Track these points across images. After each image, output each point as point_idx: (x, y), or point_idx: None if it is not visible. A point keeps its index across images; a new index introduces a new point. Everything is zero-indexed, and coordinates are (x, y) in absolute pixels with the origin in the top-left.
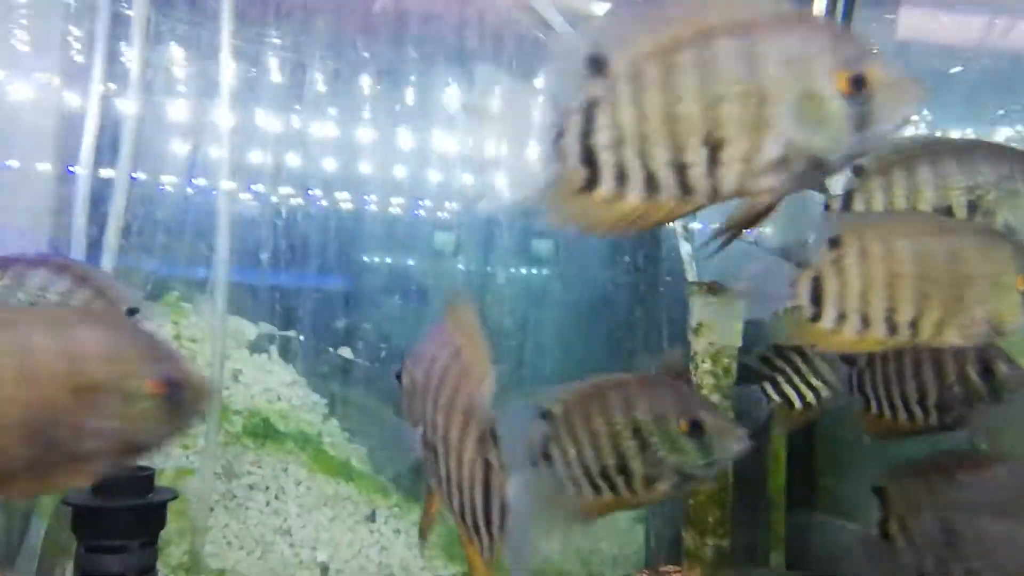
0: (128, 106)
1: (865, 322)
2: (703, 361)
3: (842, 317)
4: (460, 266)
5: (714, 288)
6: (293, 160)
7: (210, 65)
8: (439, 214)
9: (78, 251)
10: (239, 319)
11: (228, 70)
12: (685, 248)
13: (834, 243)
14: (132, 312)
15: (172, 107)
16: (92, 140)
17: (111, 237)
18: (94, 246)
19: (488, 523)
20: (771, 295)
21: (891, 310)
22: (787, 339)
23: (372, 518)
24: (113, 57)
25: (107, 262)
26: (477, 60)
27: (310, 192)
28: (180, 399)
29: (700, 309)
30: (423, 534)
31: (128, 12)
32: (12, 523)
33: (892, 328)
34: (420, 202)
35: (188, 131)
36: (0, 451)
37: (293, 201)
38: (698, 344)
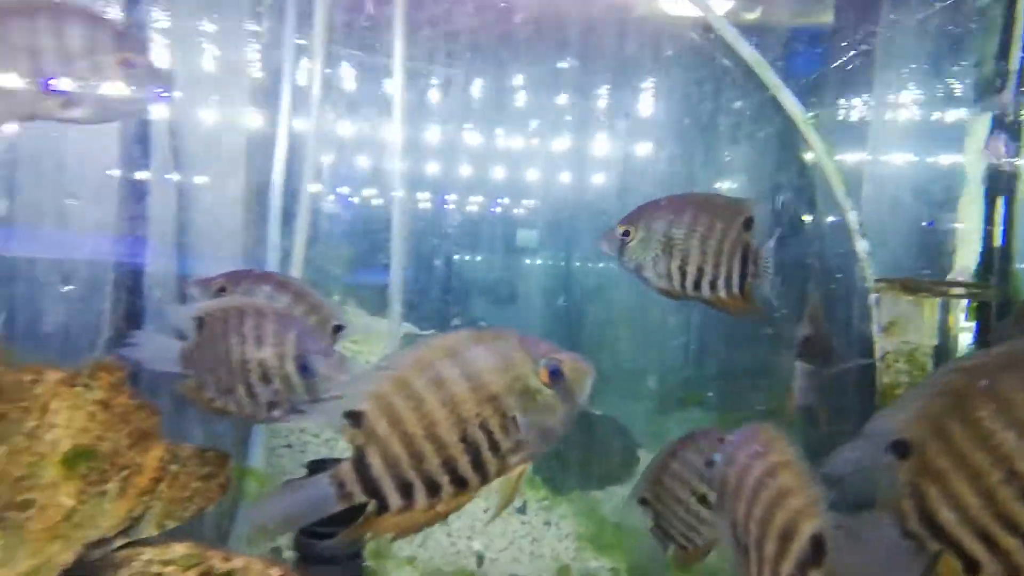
0: (309, 126)
1: None
2: (896, 361)
3: None
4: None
5: (908, 285)
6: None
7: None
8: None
9: (273, 261)
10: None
11: (400, 89)
12: (862, 245)
13: None
14: (338, 328)
15: (347, 125)
16: (283, 158)
17: (298, 248)
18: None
19: None
20: None
21: None
22: None
23: (523, 510)
24: (296, 80)
25: (295, 270)
26: (638, 67)
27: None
28: (566, 384)
29: (891, 307)
30: None
31: (308, 39)
32: (223, 510)
33: None
34: (497, 202)
35: (361, 146)
36: (449, 464)
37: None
38: (888, 343)
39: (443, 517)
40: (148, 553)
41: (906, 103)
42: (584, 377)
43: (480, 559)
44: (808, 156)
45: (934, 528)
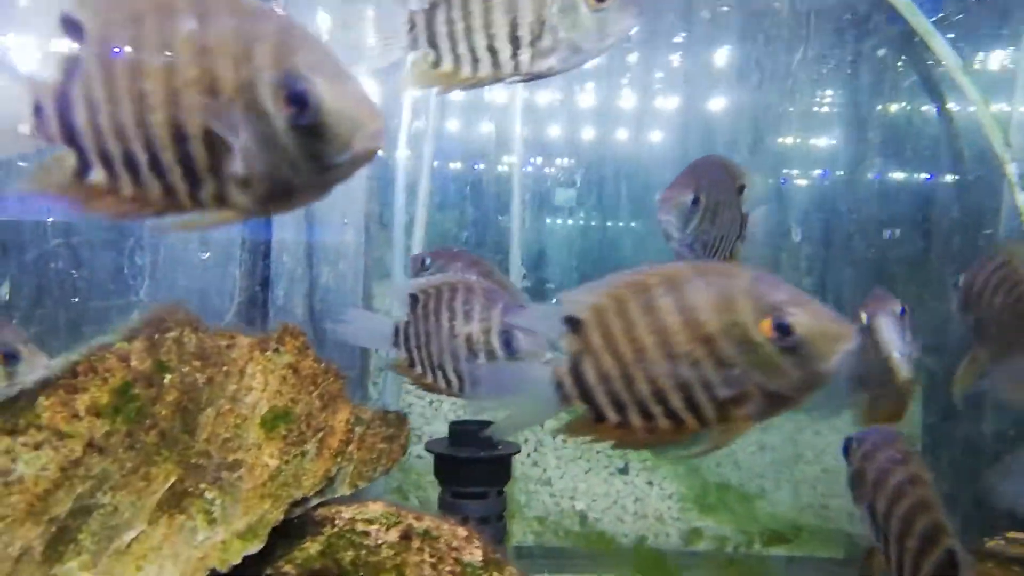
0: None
1: None
2: None
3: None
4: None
5: None
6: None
7: None
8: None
9: (399, 227)
10: None
11: None
12: (1022, 199)
13: None
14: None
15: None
16: (407, 127)
17: (420, 213)
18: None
19: None
20: None
21: None
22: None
23: (625, 471)
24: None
25: (418, 235)
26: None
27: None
28: (800, 344)
29: None
30: None
31: None
32: None
33: None
34: None
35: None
36: (660, 396)
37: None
38: None
39: (658, 444)
40: (348, 512)
41: None
42: (829, 341)
43: (583, 518)
44: (951, 106)
45: None
